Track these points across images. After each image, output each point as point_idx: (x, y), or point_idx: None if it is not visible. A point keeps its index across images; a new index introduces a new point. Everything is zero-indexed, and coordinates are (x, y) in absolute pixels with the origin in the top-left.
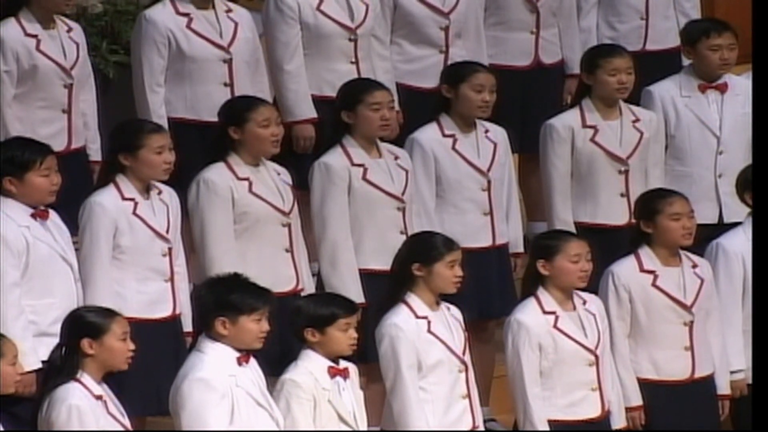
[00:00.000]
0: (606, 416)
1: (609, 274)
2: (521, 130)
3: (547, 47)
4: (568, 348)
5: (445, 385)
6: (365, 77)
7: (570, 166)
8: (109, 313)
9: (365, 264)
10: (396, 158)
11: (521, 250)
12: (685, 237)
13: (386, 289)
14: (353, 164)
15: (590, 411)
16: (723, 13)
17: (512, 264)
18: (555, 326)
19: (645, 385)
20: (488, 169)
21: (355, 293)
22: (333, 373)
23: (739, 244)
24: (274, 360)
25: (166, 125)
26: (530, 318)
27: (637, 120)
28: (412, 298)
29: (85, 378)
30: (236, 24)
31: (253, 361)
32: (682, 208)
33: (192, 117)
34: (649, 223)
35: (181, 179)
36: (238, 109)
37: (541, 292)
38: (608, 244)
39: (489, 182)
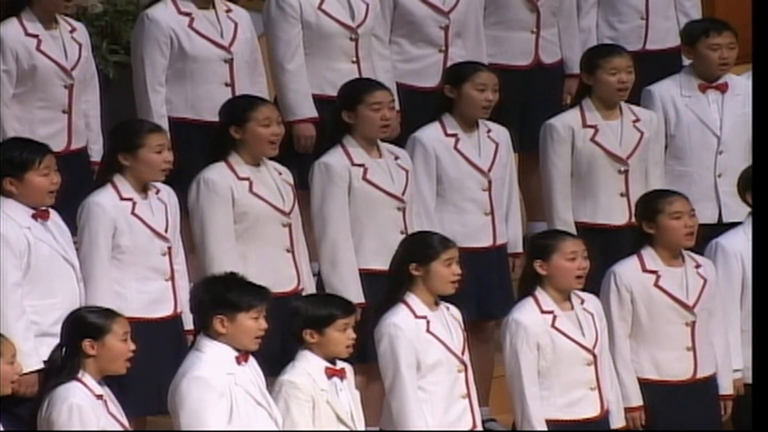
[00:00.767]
0: (605, 416)
1: (611, 275)
2: (521, 130)
3: (547, 47)
4: (566, 347)
5: (444, 385)
6: (366, 77)
7: (570, 165)
8: (110, 314)
9: (365, 264)
10: (396, 158)
11: (520, 250)
12: (687, 236)
13: (385, 289)
14: (354, 164)
15: (589, 410)
16: (723, 13)
17: (510, 264)
18: (553, 326)
19: (646, 385)
20: (489, 169)
21: (355, 293)
22: (330, 373)
23: (738, 243)
24: (275, 360)
25: (167, 125)
26: (528, 318)
27: (637, 120)
28: (411, 298)
29: (86, 378)
30: (236, 24)
31: (251, 359)
32: (683, 207)
33: (193, 117)
34: (651, 223)
35: (182, 179)
36: (240, 108)
37: (539, 292)
38: (608, 244)
39: (490, 182)
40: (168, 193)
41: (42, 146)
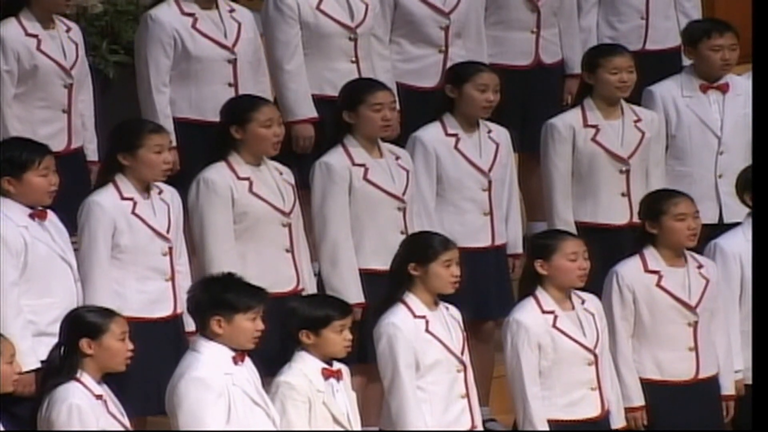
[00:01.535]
0: (605, 416)
1: (613, 274)
2: (521, 130)
3: (548, 47)
4: (567, 347)
5: (443, 384)
6: (367, 77)
7: (571, 165)
8: (108, 313)
9: (366, 264)
10: (397, 158)
11: (520, 251)
12: (690, 238)
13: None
14: (354, 164)
15: (589, 410)
16: (723, 13)
17: (510, 265)
18: (554, 326)
19: (648, 385)
20: (489, 170)
21: (356, 293)
22: (326, 374)
23: (737, 244)
24: (274, 360)
25: (171, 125)
26: (529, 318)
27: (638, 120)
28: (410, 298)
29: (85, 378)
30: (239, 24)
31: (248, 360)
32: (688, 209)
33: (196, 117)
34: (654, 223)
35: (185, 179)
36: (241, 108)
37: (540, 292)
38: (609, 244)
39: (490, 182)
40: (172, 194)
41: (42, 146)
